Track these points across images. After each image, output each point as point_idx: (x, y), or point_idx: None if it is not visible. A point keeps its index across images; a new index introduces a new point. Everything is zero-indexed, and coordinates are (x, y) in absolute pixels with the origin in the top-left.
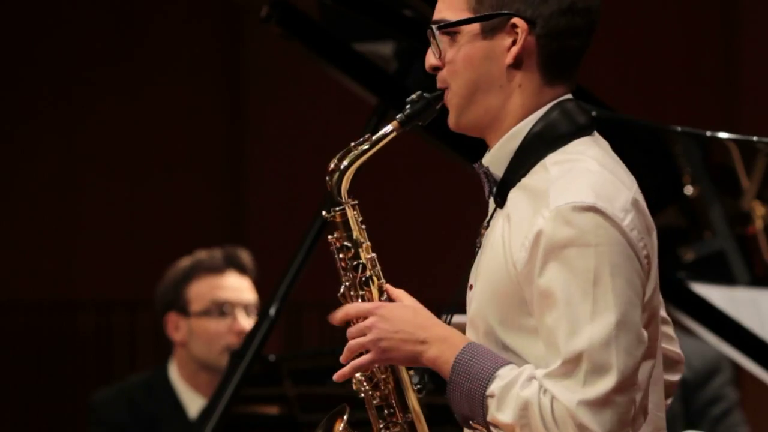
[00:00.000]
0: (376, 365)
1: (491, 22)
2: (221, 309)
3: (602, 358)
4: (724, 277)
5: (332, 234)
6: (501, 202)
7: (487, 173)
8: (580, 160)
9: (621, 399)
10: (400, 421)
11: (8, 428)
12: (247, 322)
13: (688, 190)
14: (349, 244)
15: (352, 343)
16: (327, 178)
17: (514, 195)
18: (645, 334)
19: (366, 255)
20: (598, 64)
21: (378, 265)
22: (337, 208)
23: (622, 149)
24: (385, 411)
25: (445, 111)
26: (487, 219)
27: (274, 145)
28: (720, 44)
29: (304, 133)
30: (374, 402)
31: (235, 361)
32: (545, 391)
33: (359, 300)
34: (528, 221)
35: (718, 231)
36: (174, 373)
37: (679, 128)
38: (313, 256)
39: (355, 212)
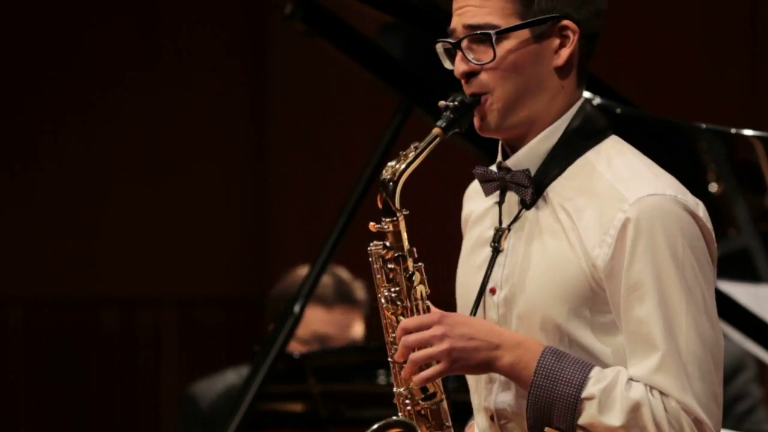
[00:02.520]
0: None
1: (541, 27)
2: (321, 342)
3: (702, 354)
4: (748, 274)
5: (378, 244)
6: (533, 202)
7: (528, 174)
8: (634, 163)
9: (719, 392)
10: None
11: (32, 426)
12: None
13: (713, 187)
14: (402, 254)
15: (418, 355)
16: (380, 188)
17: (561, 193)
18: None
19: (414, 264)
20: (622, 61)
21: (425, 274)
22: (390, 218)
23: (646, 146)
24: (425, 422)
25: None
26: (510, 220)
27: (298, 142)
28: (745, 41)
29: (329, 129)
30: (416, 412)
31: (259, 358)
32: (652, 389)
33: (407, 310)
34: (599, 218)
35: (742, 228)
36: None
37: (703, 125)
38: (338, 253)
39: (404, 223)
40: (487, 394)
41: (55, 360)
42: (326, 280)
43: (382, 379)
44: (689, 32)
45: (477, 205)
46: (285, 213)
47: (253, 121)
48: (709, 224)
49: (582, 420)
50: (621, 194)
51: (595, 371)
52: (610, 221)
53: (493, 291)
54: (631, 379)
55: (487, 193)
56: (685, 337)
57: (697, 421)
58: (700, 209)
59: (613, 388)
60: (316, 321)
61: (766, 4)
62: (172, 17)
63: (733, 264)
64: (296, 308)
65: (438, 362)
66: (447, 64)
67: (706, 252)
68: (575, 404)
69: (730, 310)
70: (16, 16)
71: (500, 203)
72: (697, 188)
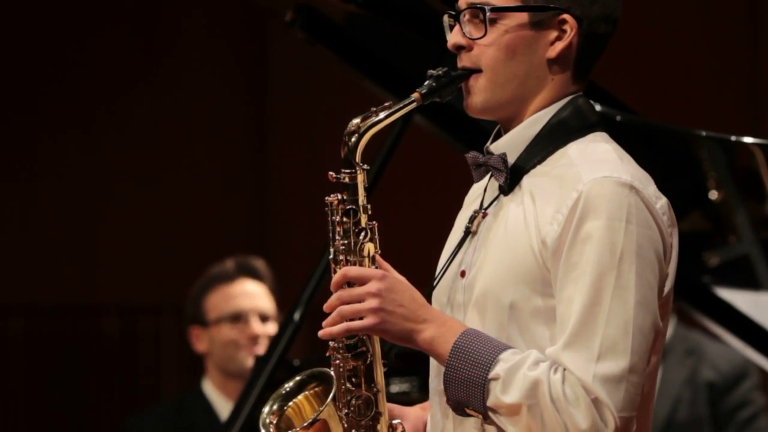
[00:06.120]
0: (364, 334)
1: (541, 14)
2: (234, 315)
3: (619, 336)
4: (748, 281)
5: (336, 195)
6: (510, 188)
7: (504, 159)
8: (605, 151)
9: (633, 379)
10: (365, 393)
11: None
12: (260, 327)
13: (713, 194)
14: (354, 208)
15: (345, 308)
16: (344, 138)
17: (533, 180)
18: (659, 320)
19: (367, 221)
20: (623, 68)
21: (377, 233)
22: (349, 170)
23: (646, 153)
24: (350, 382)
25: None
26: (486, 204)
27: (299, 152)
28: (745, 49)
29: (329, 139)
30: (345, 372)
31: (259, 365)
32: (556, 368)
33: (351, 265)
34: (556, 200)
35: (742, 235)
36: (208, 386)
37: (703, 133)
38: None
39: (363, 177)
40: (442, 379)
41: (56, 367)
42: (226, 262)
43: None
44: (690, 40)
45: (477, 189)
46: (286, 221)
47: (254, 132)
48: (665, 218)
49: (489, 401)
50: (579, 175)
51: (507, 353)
52: (564, 200)
53: (462, 274)
54: (540, 361)
55: (477, 178)
56: (606, 319)
57: (596, 401)
58: (659, 202)
59: (518, 369)
60: (224, 297)
61: (766, 12)
62: (172, 23)
63: (734, 271)
64: (296, 316)
65: (362, 318)
66: (448, 37)
67: (654, 241)
68: (483, 385)
69: (730, 318)
70: (18, 20)
71: (486, 188)
72: (697, 195)
